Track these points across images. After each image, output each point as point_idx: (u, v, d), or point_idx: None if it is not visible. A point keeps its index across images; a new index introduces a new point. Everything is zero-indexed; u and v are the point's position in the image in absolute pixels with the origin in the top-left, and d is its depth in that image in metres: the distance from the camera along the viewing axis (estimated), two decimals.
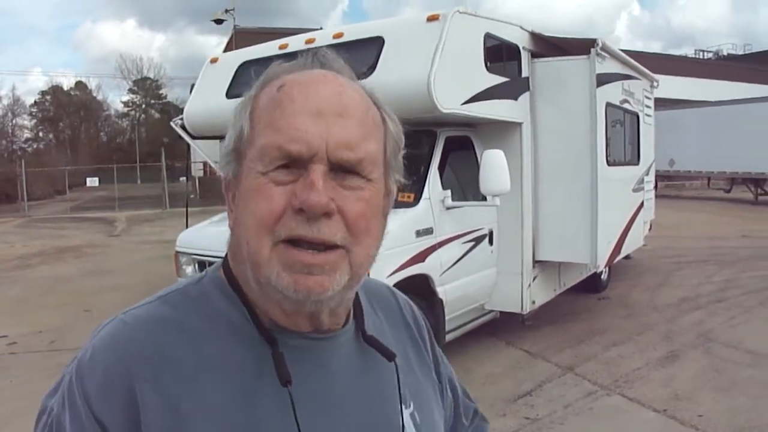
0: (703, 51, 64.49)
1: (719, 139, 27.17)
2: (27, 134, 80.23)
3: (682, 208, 24.69)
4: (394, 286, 5.29)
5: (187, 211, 8.89)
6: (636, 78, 10.43)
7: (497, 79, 7.05)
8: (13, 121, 75.08)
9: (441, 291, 6.70)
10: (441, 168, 6.98)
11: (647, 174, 11.53)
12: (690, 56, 60.45)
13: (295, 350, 1.06)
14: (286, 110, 0.99)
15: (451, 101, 6.24)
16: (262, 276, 0.99)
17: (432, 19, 6.39)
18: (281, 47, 7.33)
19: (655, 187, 17.13)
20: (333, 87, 1.02)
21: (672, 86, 32.10)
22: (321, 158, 0.97)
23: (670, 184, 36.78)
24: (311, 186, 0.95)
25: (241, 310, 1.08)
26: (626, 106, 9.74)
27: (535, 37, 7.96)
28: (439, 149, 7.03)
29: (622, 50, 9.40)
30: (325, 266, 0.97)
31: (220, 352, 1.04)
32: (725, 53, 64.00)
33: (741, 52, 63.67)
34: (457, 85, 6.42)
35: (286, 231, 0.96)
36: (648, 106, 11.57)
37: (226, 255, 1.14)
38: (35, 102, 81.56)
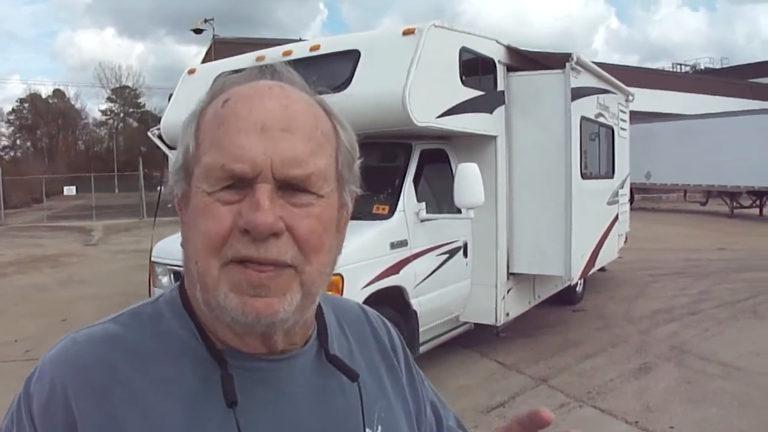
0: (681, 64, 65.01)
1: (696, 152, 27.31)
2: (4, 142, 79.72)
3: (658, 221, 24.87)
4: (368, 297, 5.31)
5: (155, 220, 8.84)
6: (611, 92, 10.51)
7: (473, 93, 7.10)
8: None
9: (415, 303, 6.73)
10: (416, 180, 7.01)
11: (622, 187, 11.61)
12: (667, 69, 60.91)
13: (246, 372, 1.04)
14: (230, 127, 0.97)
15: (426, 114, 6.28)
16: (211, 297, 0.97)
17: (408, 32, 6.42)
18: (258, 59, 7.33)
19: (632, 199, 17.24)
20: (279, 100, 0.99)
21: (649, 99, 32.33)
22: (266, 177, 0.94)
23: (647, 196, 36.99)
24: (256, 206, 0.92)
25: (191, 330, 1.06)
26: (601, 119, 9.81)
27: (511, 51, 8.02)
28: (414, 162, 7.06)
29: (599, 63, 9.49)
30: (272, 287, 0.95)
31: (169, 372, 1.02)
32: (702, 67, 64.53)
33: (718, 66, 64.17)
34: (432, 99, 6.45)
35: (233, 252, 0.94)
36: (623, 120, 11.67)
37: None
38: (13, 109, 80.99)
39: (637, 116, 18.18)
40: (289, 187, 0.96)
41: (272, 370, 1.08)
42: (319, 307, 1.16)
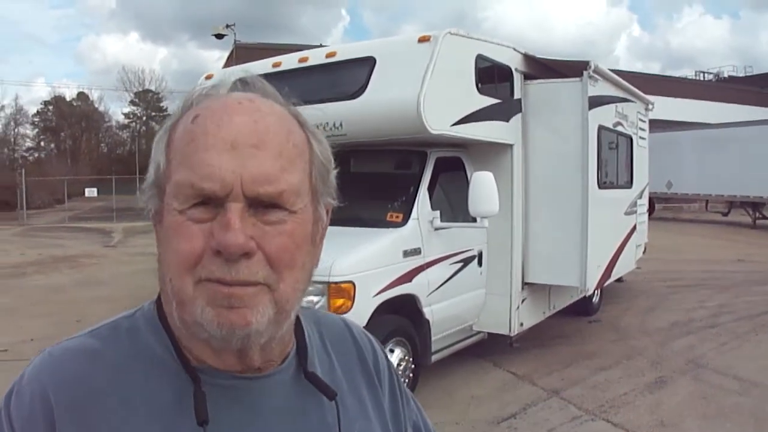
0: (704, 72, 64.51)
1: (718, 161, 27.01)
2: (29, 143, 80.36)
3: (678, 231, 24.69)
4: (380, 305, 5.31)
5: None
6: (630, 100, 10.43)
7: (489, 101, 7.07)
8: (16, 130, 75.28)
9: (428, 311, 6.69)
10: (431, 188, 6.98)
11: (640, 197, 11.50)
12: (690, 78, 60.50)
13: (219, 389, 1.03)
14: (199, 144, 0.95)
15: (440, 122, 6.26)
16: (187, 314, 0.96)
17: (423, 40, 6.41)
18: (275, 65, 7.35)
19: (653, 209, 17.11)
20: (249, 115, 0.98)
21: (672, 107, 32.25)
22: (236, 195, 0.93)
23: (668, 206, 36.75)
24: (227, 226, 0.91)
25: (167, 346, 1.05)
26: (619, 128, 9.74)
27: (528, 58, 7.98)
28: (429, 170, 7.03)
29: (620, 71, 9.45)
30: (244, 298, 0.94)
31: (142, 387, 1.02)
32: (726, 75, 64.02)
33: (742, 74, 63.62)
34: (447, 107, 6.44)
35: (206, 273, 0.93)
36: (642, 129, 11.56)
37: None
38: (38, 111, 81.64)
39: (658, 125, 18.06)
40: (261, 204, 0.95)
41: (247, 388, 1.07)
42: (299, 323, 1.15)
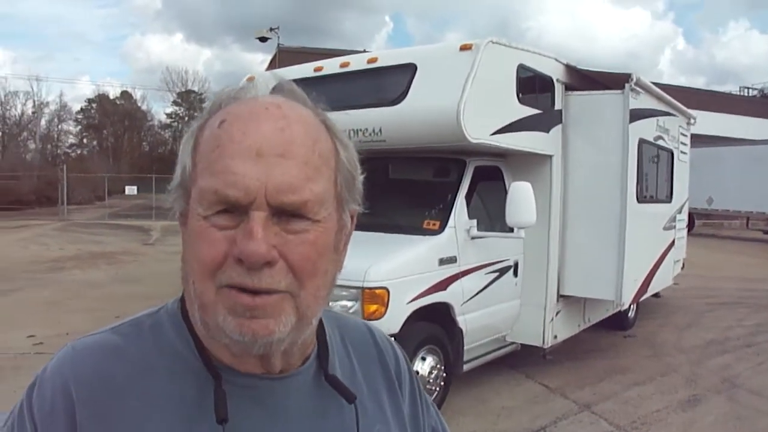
0: (748, 88, 63.53)
1: (761, 178, 26.65)
2: (71, 140, 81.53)
3: (718, 248, 24.36)
4: (414, 312, 5.31)
5: None
6: (672, 114, 10.33)
7: (529, 111, 7.04)
8: (59, 127, 76.45)
9: (462, 320, 6.67)
10: (468, 197, 6.97)
11: (680, 212, 11.40)
12: (735, 93, 59.71)
13: (240, 389, 1.04)
14: (225, 151, 0.95)
15: (480, 131, 6.25)
16: (209, 318, 0.97)
17: (465, 48, 6.40)
18: (316, 69, 7.40)
19: (692, 225, 16.89)
20: (275, 122, 0.97)
21: (715, 123, 31.85)
22: (260, 204, 0.93)
23: (708, 222, 36.29)
24: (250, 235, 0.92)
25: (189, 344, 1.07)
26: (660, 142, 9.65)
27: (570, 69, 7.94)
28: (468, 178, 7.02)
29: (664, 84, 9.37)
30: (267, 308, 0.95)
31: (164, 384, 1.03)
32: None
33: None
34: (487, 116, 6.42)
35: (226, 279, 0.94)
36: (683, 143, 11.45)
37: None
38: (81, 109, 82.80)
39: (701, 140, 17.83)
40: (284, 213, 0.95)
41: (268, 389, 1.08)
42: (321, 326, 1.16)
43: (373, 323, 1.43)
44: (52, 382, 1.02)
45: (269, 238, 0.93)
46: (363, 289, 5.72)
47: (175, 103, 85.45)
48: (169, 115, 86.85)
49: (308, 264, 0.97)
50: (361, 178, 1.10)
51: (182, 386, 1.03)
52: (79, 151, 79.41)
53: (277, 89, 1.05)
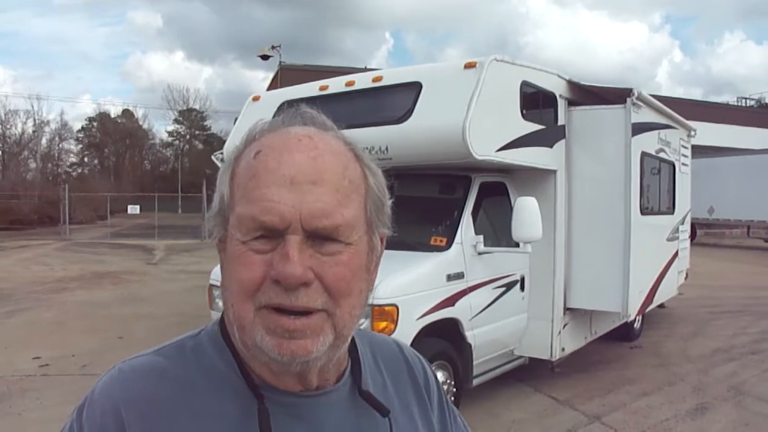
0: (746, 98, 63.62)
1: (760, 187, 26.76)
2: (73, 159, 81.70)
3: (720, 257, 24.36)
4: (423, 329, 5.34)
5: None
6: (672, 127, 10.41)
7: (533, 127, 7.11)
8: (60, 145, 76.56)
9: (470, 335, 6.71)
10: (474, 213, 7.03)
11: (683, 223, 11.45)
12: (732, 103, 59.82)
13: (282, 406, 1.10)
14: (261, 180, 1.02)
15: (485, 148, 6.31)
16: (248, 338, 1.03)
17: (469, 66, 6.47)
18: (321, 88, 7.46)
19: (694, 235, 16.91)
20: (307, 152, 1.04)
21: (713, 133, 31.95)
22: (296, 228, 0.99)
23: (710, 232, 36.30)
24: (286, 258, 0.98)
25: (231, 364, 1.12)
26: (662, 155, 9.72)
27: (572, 85, 8.01)
28: (473, 194, 7.09)
29: (662, 97, 9.44)
30: (306, 330, 1.00)
31: (208, 404, 1.08)
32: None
33: None
34: (492, 132, 6.49)
35: (265, 299, 1.00)
36: (684, 155, 11.51)
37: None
38: (82, 127, 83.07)
39: (700, 150, 17.87)
40: (318, 237, 1.01)
41: (307, 406, 1.13)
42: (353, 343, 1.23)
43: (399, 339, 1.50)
44: (101, 404, 1.08)
45: (305, 260, 1.00)
46: (372, 306, 5.74)
47: (176, 121, 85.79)
48: (170, 134, 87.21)
49: (342, 284, 1.03)
50: (389, 202, 1.17)
51: (226, 405, 1.09)
52: (80, 170, 79.66)
53: (308, 120, 1.12)
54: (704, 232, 34.52)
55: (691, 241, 13.61)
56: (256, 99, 8.48)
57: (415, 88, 6.67)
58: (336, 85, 7.41)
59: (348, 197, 1.05)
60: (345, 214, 1.03)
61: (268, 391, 1.10)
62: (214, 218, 1.12)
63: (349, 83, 7.29)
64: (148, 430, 1.05)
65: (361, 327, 4.44)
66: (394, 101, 6.85)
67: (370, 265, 1.13)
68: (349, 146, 1.12)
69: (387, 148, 6.54)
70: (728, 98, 76.65)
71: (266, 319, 1.01)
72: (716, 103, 56.50)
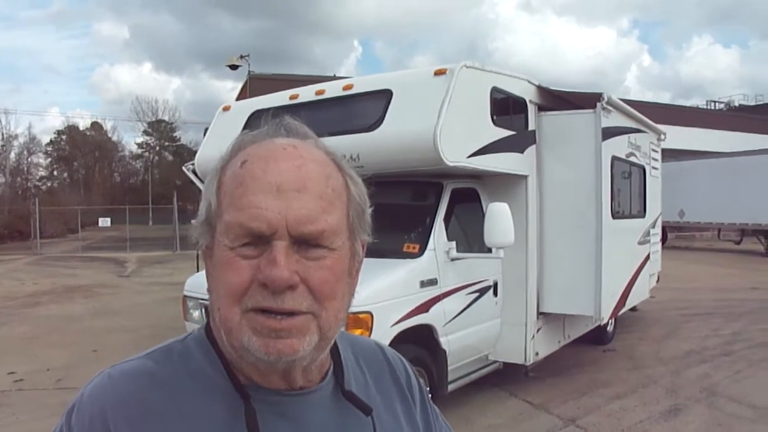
0: (715, 102, 64.42)
1: (730, 190, 27.01)
2: (42, 172, 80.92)
3: (691, 260, 24.61)
4: (398, 335, 5.33)
5: (198, 255, 8.95)
6: (642, 131, 10.50)
7: (503, 133, 7.14)
8: (29, 159, 75.79)
9: (444, 341, 6.72)
10: (446, 219, 7.04)
11: (653, 226, 11.55)
12: (701, 107, 60.46)
13: (268, 406, 1.12)
14: (248, 188, 1.04)
15: (456, 154, 6.32)
16: (235, 340, 1.05)
17: (439, 73, 6.49)
18: (292, 98, 7.44)
19: (665, 238, 17.05)
20: (292, 161, 1.07)
21: (683, 137, 32.16)
22: (282, 234, 1.02)
23: (680, 235, 36.62)
24: (273, 263, 1.00)
25: (217, 366, 1.15)
26: (632, 159, 9.80)
27: (542, 90, 8.06)
28: (445, 201, 7.10)
29: (631, 101, 9.52)
30: (292, 330, 1.03)
31: (197, 406, 1.11)
32: (737, 104, 63.92)
33: (753, 103, 63.45)
34: (463, 139, 6.50)
35: (253, 303, 1.02)
36: (655, 159, 11.63)
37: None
38: (51, 141, 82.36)
39: (670, 154, 18.00)
40: (304, 243, 1.04)
41: (292, 404, 1.16)
42: (335, 345, 1.24)
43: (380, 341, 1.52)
44: (90, 407, 1.09)
45: (291, 265, 1.02)
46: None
47: (145, 132, 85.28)
48: (140, 145, 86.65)
49: (327, 287, 1.06)
50: (369, 210, 1.20)
51: (213, 406, 1.11)
52: (49, 184, 78.80)
53: (292, 132, 1.15)
54: (675, 235, 34.86)
55: (663, 244, 13.73)
56: (226, 109, 8.44)
57: (385, 95, 6.67)
58: (306, 94, 7.40)
59: (332, 204, 1.08)
60: (329, 220, 1.06)
61: (254, 391, 1.12)
62: (201, 226, 1.13)
63: (320, 92, 7.28)
64: None
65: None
66: (365, 109, 6.84)
67: (353, 270, 1.16)
68: (330, 156, 1.15)
69: (358, 156, 6.53)
70: (697, 102, 77.65)
71: (253, 320, 1.03)
72: (686, 106, 57.01)
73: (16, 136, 72.22)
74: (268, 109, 7.69)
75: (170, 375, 1.14)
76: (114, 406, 1.08)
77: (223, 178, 1.10)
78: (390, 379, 1.38)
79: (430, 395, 5.13)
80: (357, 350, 1.36)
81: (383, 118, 6.53)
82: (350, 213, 1.13)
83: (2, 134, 69.77)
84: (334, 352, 1.25)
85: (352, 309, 4.29)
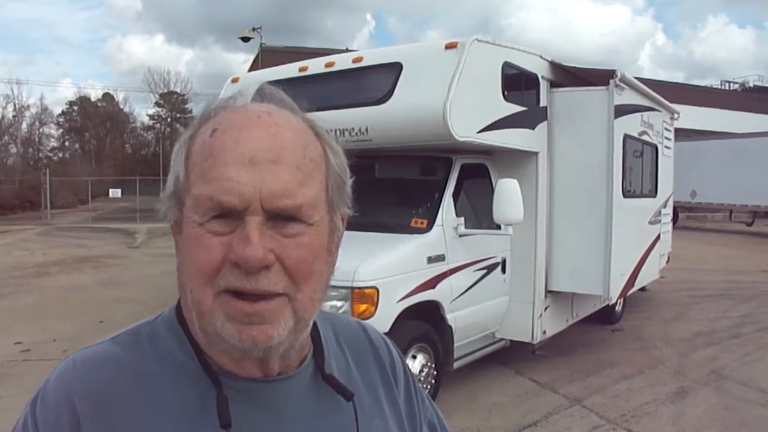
0: (729, 82, 63.91)
1: (743, 171, 26.80)
2: (53, 143, 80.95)
3: (702, 241, 24.51)
4: (404, 311, 5.31)
5: None
6: (656, 110, 10.40)
7: (515, 108, 7.06)
8: (40, 130, 75.82)
9: (451, 318, 6.69)
10: (455, 195, 6.98)
11: (665, 206, 11.46)
12: (716, 87, 60.01)
13: (240, 392, 1.06)
14: (218, 159, 0.97)
15: (466, 129, 6.26)
16: (207, 324, 0.99)
17: (450, 46, 6.41)
18: (301, 69, 7.38)
19: (676, 218, 16.96)
20: (266, 129, 0.99)
21: (697, 117, 31.96)
22: (256, 209, 0.95)
23: (692, 215, 36.47)
24: (246, 240, 0.93)
25: (188, 351, 1.08)
26: (645, 137, 9.71)
27: (555, 66, 7.97)
28: (454, 176, 7.04)
29: (645, 79, 9.40)
30: (265, 315, 0.96)
31: (165, 391, 1.04)
32: (752, 84, 63.43)
33: None
34: (473, 113, 6.44)
35: (224, 283, 0.95)
36: (667, 138, 11.52)
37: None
38: (63, 112, 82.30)
39: (684, 134, 17.85)
40: (279, 218, 0.97)
41: (267, 391, 1.10)
42: (315, 326, 1.18)
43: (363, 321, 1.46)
44: (55, 395, 1.03)
45: (265, 242, 0.95)
46: (352, 289, 5.72)
47: (157, 104, 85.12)
48: (151, 117, 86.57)
49: (304, 266, 0.99)
50: (350, 182, 1.12)
51: (184, 393, 1.05)
52: (61, 155, 78.88)
53: (267, 97, 1.07)
54: (686, 215, 34.71)
55: (674, 224, 13.64)
56: (234, 81, 8.37)
57: (395, 69, 6.61)
58: (316, 66, 7.33)
59: (309, 176, 1.01)
60: (306, 193, 0.99)
61: (227, 377, 1.06)
62: (168, 200, 1.06)
63: (329, 64, 7.21)
64: (103, 420, 1.00)
65: (341, 310, 4.38)
66: (375, 82, 6.79)
67: (332, 246, 1.09)
68: (308, 123, 1.08)
69: (367, 130, 6.49)
70: (712, 82, 76.96)
71: (225, 304, 0.96)
72: (700, 86, 56.59)
73: (28, 107, 72.26)
74: (277, 81, 7.67)
75: (138, 359, 1.07)
76: (80, 393, 1.02)
77: (192, 148, 1.03)
78: (373, 361, 1.32)
79: (435, 372, 5.10)
80: (338, 331, 1.30)
81: (393, 92, 6.48)
82: (329, 185, 1.06)
83: (14, 105, 69.79)
84: (314, 333, 1.19)
85: (358, 284, 4.25)
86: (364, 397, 1.21)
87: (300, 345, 1.12)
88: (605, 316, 10.07)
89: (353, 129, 6.50)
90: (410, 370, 1.42)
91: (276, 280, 0.96)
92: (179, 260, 1.05)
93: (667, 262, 12.37)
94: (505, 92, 6.95)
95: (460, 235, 6.83)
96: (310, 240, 1.00)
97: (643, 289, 11.42)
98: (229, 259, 0.94)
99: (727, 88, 60.48)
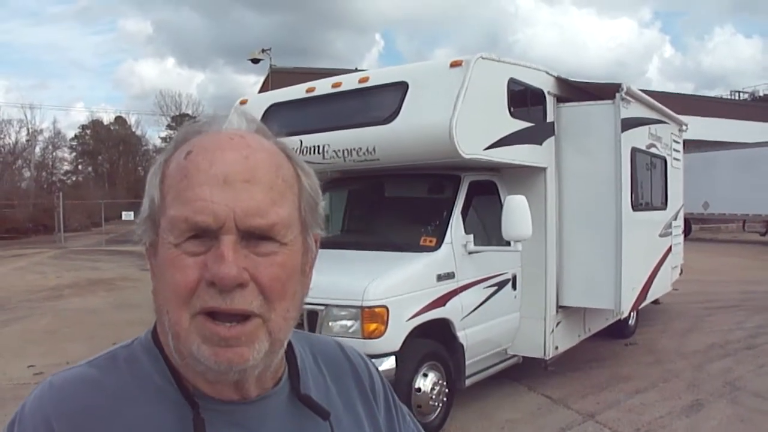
0: (739, 92, 63.71)
1: (755, 180, 26.72)
2: (66, 167, 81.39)
3: (715, 252, 24.38)
4: (414, 329, 5.32)
5: None
6: (663, 122, 10.38)
7: (521, 124, 7.08)
8: (54, 154, 76.24)
9: (462, 335, 6.67)
10: (464, 212, 6.98)
11: (675, 218, 11.42)
12: (725, 97, 59.83)
13: (218, 414, 1.06)
14: (192, 180, 0.99)
15: (473, 146, 6.28)
16: (183, 347, 1.00)
17: (455, 64, 6.44)
18: (308, 91, 7.41)
19: (689, 230, 16.87)
20: (239, 151, 1.01)
21: (707, 127, 31.90)
22: (230, 228, 0.96)
23: (705, 227, 36.32)
24: (221, 259, 0.95)
25: (165, 373, 1.08)
26: (653, 150, 9.69)
27: (561, 81, 7.98)
28: (463, 193, 7.04)
29: (653, 92, 9.40)
30: (241, 337, 0.97)
31: (142, 415, 1.04)
32: (761, 94, 63.19)
33: None
34: (479, 131, 6.46)
35: (200, 303, 0.96)
36: (676, 150, 11.50)
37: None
38: (75, 135, 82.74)
39: (694, 145, 17.80)
40: (253, 237, 0.99)
41: (244, 412, 1.10)
42: (290, 346, 1.19)
43: (344, 339, 1.47)
44: (32, 418, 1.04)
45: (239, 261, 0.96)
46: (362, 308, 5.71)
47: (169, 126, 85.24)
48: (163, 139, 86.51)
49: (278, 284, 1.00)
50: (323, 203, 1.14)
51: (161, 415, 1.05)
52: (74, 178, 79.34)
53: (239, 122, 1.10)
54: (699, 227, 34.57)
55: (686, 236, 13.60)
56: (243, 102, 8.41)
57: (401, 87, 6.64)
58: (323, 86, 7.36)
59: (282, 196, 1.03)
60: (280, 212, 1.01)
61: (204, 400, 1.07)
62: (143, 223, 1.08)
63: (336, 84, 7.25)
64: None
65: (351, 330, 4.39)
66: (381, 101, 6.82)
67: (305, 266, 1.11)
68: (280, 146, 1.11)
69: (374, 149, 6.51)
70: (721, 92, 76.72)
71: (201, 327, 0.97)
72: (709, 97, 56.45)
73: (42, 131, 72.67)
74: (285, 103, 7.72)
75: (115, 383, 1.08)
76: (58, 416, 1.02)
77: (167, 171, 1.05)
78: (351, 379, 1.33)
79: (447, 390, 5.08)
80: (316, 350, 1.31)
81: (399, 111, 6.50)
82: (302, 205, 1.08)
83: (28, 129, 70.23)
84: (289, 353, 1.20)
85: (368, 303, 4.26)
86: (342, 416, 1.22)
87: (275, 366, 1.12)
88: (618, 330, 10.00)
89: (361, 149, 6.53)
90: (390, 387, 1.43)
91: (251, 298, 0.98)
92: (155, 283, 1.06)
93: (680, 274, 12.33)
94: (512, 108, 6.96)
95: (470, 253, 6.82)
96: (283, 259, 1.02)
97: (656, 302, 11.35)
98: (205, 278, 0.96)
99: (736, 98, 60.30)
